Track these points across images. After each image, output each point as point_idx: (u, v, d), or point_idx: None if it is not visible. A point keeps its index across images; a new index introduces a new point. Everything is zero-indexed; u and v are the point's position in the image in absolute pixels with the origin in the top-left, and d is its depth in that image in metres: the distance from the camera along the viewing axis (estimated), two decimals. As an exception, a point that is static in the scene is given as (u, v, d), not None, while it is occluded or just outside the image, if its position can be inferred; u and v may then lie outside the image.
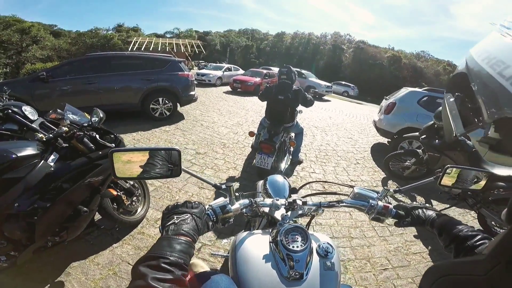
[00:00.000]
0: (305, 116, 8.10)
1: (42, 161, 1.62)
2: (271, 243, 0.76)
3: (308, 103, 3.56)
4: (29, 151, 1.60)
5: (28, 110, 2.29)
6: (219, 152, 4.40)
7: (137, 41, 23.07)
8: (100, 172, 1.85)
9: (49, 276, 1.88)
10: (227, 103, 9.25)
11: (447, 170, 0.88)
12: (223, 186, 0.85)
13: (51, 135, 1.75)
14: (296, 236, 0.75)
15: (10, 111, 2.14)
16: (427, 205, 0.84)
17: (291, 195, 1.01)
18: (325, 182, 1.33)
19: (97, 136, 1.88)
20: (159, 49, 22.03)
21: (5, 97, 2.67)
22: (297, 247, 0.72)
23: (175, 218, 0.63)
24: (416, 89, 5.70)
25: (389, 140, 5.77)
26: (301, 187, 1.17)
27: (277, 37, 52.83)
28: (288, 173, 3.75)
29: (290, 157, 3.80)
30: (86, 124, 1.94)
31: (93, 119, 1.99)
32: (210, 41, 50.57)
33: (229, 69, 15.86)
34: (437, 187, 0.98)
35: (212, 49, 48.76)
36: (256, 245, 0.77)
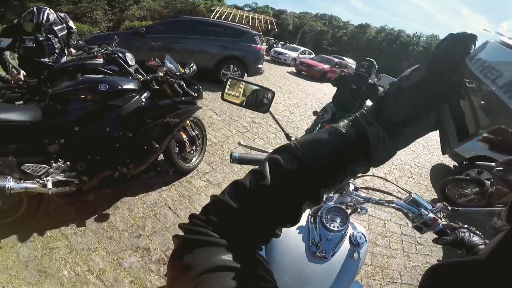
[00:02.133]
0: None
1: (137, 96, 1.96)
2: (309, 216, 0.78)
3: (375, 93, 3.45)
4: (131, 85, 1.97)
5: (129, 57, 2.81)
6: (272, 126, 4.63)
7: (219, 11, 24.11)
8: (178, 115, 2.14)
9: (99, 207, 2.04)
10: (289, 83, 9.27)
11: None
12: (293, 138, 0.89)
13: (148, 77, 2.10)
14: (336, 217, 0.76)
15: (116, 55, 2.66)
16: (476, 231, 0.76)
17: None
18: (386, 180, 1.19)
19: (184, 85, 2.18)
20: (236, 20, 22.63)
21: (114, 44, 3.33)
22: (334, 227, 0.73)
23: None
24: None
25: (456, 164, 5.13)
26: (358, 177, 1.07)
27: (359, 28, 48.49)
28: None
29: None
30: (178, 74, 2.28)
31: (186, 70, 2.38)
32: (284, 20, 49.30)
33: (304, 53, 15.56)
34: (485, 221, 0.80)
35: (284, 28, 47.65)
36: None
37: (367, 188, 1.05)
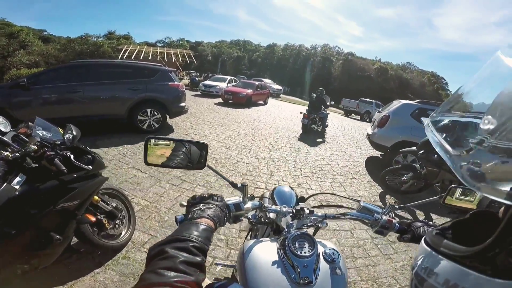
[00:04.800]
0: (298, 129, 8.07)
1: (5, 183, 1.42)
2: (279, 250, 0.76)
3: (325, 104, 8.19)
4: None
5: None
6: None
7: (127, 49, 22.73)
8: (76, 196, 1.66)
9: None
10: (219, 115, 9.05)
11: (451, 190, 0.93)
12: (239, 185, 0.87)
13: (17, 154, 1.52)
14: (303, 243, 0.75)
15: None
16: (429, 222, 0.86)
17: (299, 203, 1.01)
18: (333, 194, 1.37)
19: (72, 157, 1.65)
20: (149, 58, 21.75)
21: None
22: (305, 252, 0.73)
23: (201, 206, 0.67)
24: (408, 101, 5.73)
25: (383, 153, 5.72)
26: (309, 197, 1.16)
27: (268, 49, 53.85)
28: (317, 133, 7.90)
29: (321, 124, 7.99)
30: (59, 142, 1.69)
31: (66, 136, 1.74)
32: (202, 51, 50.82)
33: (231, 81, 15.90)
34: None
35: (204, 59, 48.93)
36: (264, 252, 0.77)
37: (320, 206, 1.11)
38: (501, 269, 0.35)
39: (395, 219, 0.87)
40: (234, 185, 0.89)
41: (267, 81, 22.64)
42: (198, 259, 0.49)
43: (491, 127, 0.38)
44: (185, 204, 0.74)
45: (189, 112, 7.13)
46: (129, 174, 3.60)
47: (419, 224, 0.85)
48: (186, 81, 18.09)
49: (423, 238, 0.55)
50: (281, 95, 22.41)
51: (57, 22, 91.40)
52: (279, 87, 22.49)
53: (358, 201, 0.94)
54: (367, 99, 17.81)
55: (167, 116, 5.76)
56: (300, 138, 7.20)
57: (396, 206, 0.94)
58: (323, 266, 0.74)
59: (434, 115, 0.55)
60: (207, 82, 15.09)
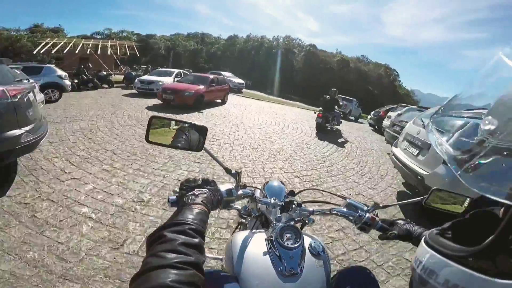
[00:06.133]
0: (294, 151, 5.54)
1: None
2: (266, 241, 0.77)
3: (338, 104, 8.80)
4: None
5: None
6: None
7: (48, 43, 17.90)
8: None
9: None
10: (143, 130, 6.06)
11: (433, 192, 0.92)
12: (233, 171, 0.88)
13: None
14: (290, 234, 0.77)
15: None
16: (411, 222, 0.86)
17: (289, 196, 0.96)
18: (323, 191, 1.23)
19: None
20: (76, 52, 17.37)
21: None
22: (291, 244, 0.74)
23: (195, 191, 0.69)
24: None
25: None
26: (299, 192, 1.10)
27: (229, 41, 50.50)
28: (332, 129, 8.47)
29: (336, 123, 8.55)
30: None
31: None
32: (154, 44, 45.68)
33: (180, 75, 12.62)
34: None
35: (156, 53, 43.96)
36: (252, 243, 0.77)
37: (309, 202, 1.08)
38: (501, 269, 0.35)
39: (377, 217, 0.88)
40: (228, 170, 0.89)
41: (227, 74, 19.71)
42: (196, 240, 0.51)
43: (492, 127, 0.39)
44: (178, 189, 0.74)
45: (85, 131, 4.25)
46: None
47: (402, 222, 0.86)
48: (120, 76, 14.44)
49: (423, 238, 0.54)
50: (243, 90, 19.71)
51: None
52: (241, 81, 19.69)
53: (345, 198, 0.97)
54: (347, 97, 15.92)
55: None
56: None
57: (381, 205, 0.93)
58: (308, 258, 0.74)
59: (435, 115, 0.55)
60: (146, 77, 11.71)
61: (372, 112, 13.46)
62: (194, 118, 7.66)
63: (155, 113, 7.68)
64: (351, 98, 16.07)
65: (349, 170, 4.88)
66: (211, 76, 10.73)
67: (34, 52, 17.05)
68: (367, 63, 48.85)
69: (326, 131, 8.06)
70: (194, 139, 0.85)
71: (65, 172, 3.21)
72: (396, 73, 49.78)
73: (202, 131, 0.84)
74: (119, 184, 3.13)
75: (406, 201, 0.98)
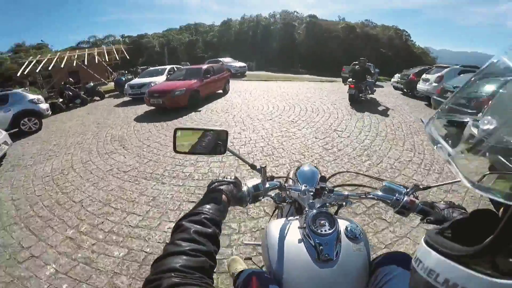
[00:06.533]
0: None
1: None
2: (300, 229, 0.77)
3: (369, 73, 8.02)
4: None
5: None
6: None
7: (32, 61, 16.94)
8: None
9: None
10: (128, 150, 4.81)
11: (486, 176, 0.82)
12: (258, 167, 0.89)
13: None
14: (323, 221, 0.75)
15: None
16: (454, 204, 0.80)
17: (320, 183, 0.91)
18: (357, 173, 1.25)
19: None
20: (62, 67, 16.30)
21: None
22: (325, 231, 0.72)
23: (216, 184, 0.73)
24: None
25: None
26: (330, 176, 1.09)
27: (223, 26, 47.91)
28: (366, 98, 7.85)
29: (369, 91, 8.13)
30: None
31: None
32: (147, 43, 44.18)
33: (173, 71, 11.13)
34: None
35: (151, 51, 42.55)
36: (286, 231, 0.78)
37: (342, 185, 1.05)
38: (501, 269, 0.35)
39: (418, 200, 0.81)
40: (253, 167, 0.91)
41: (227, 60, 18.12)
42: (210, 230, 0.55)
43: (491, 127, 0.40)
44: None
45: (56, 173, 3.51)
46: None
47: (443, 206, 0.79)
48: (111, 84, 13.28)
49: (423, 237, 0.51)
50: (247, 73, 18.04)
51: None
52: (243, 64, 18.03)
53: (382, 180, 0.92)
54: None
55: None
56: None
57: (421, 187, 0.85)
58: (345, 243, 0.72)
59: (434, 115, 0.56)
60: (135, 81, 10.41)
61: (398, 75, 11.57)
62: (190, 121, 6.32)
63: (144, 125, 6.45)
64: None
65: (407, 165, 3.40)
66: (205, 66, 9.22)
67: (18, 74, 16.04)
68: (374, 26, 44.92)
69: (360, 102, 7.52)
70: (217, 144, 0.88)
71: (23, 248, 2.30)
72: (407, 33, 45.44)
73: (223, 135, 0.87)
74: (87, 262, 2.09)
75: (449, 181, 0.92)
